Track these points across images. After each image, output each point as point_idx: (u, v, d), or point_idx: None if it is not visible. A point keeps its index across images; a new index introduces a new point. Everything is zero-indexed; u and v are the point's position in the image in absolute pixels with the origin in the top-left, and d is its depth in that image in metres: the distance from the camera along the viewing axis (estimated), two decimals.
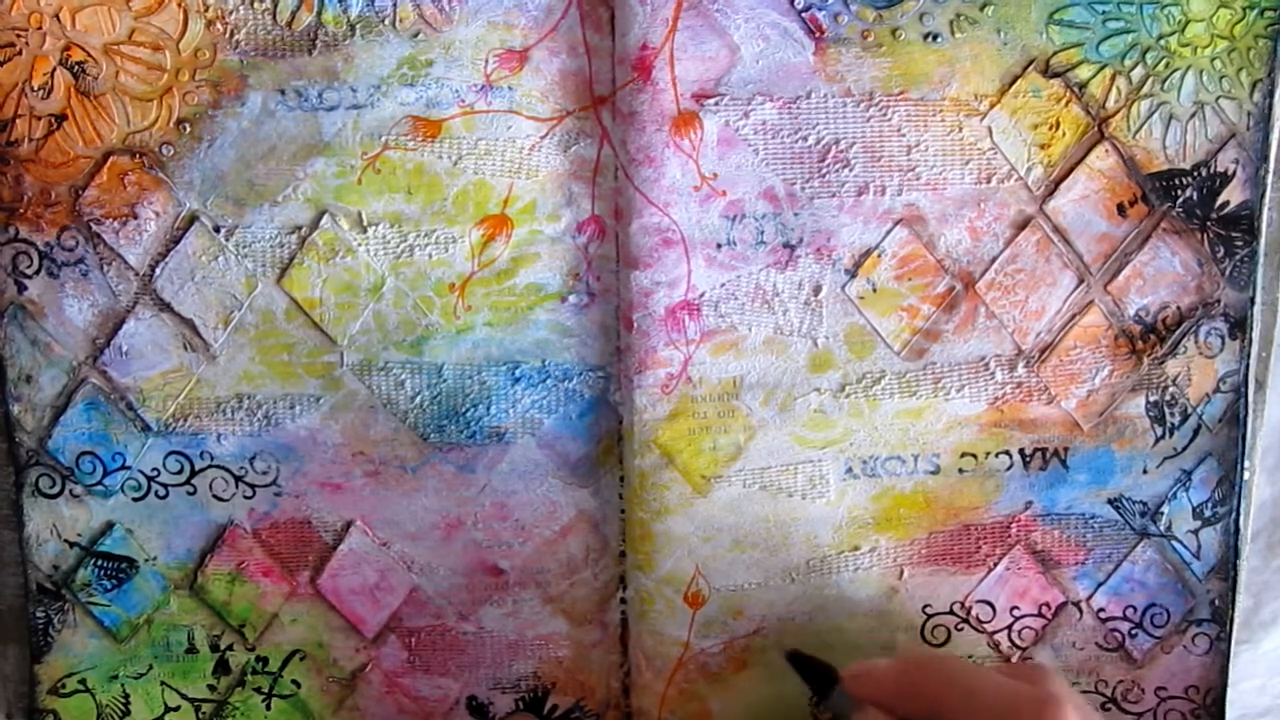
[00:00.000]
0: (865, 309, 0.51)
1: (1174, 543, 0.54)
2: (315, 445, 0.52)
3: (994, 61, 0.49)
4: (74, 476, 0.51)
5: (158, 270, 0.50)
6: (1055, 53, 0.49)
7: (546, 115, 0.49)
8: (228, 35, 0.48)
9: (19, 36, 0.47)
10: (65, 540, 0.52)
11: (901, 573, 0.54)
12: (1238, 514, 0.53)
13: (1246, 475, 0.53)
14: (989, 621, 0.54)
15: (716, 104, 0.49)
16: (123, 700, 0.54)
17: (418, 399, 0.51)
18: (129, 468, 0.52)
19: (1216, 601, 0.54)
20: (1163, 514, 0.53)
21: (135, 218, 0.49)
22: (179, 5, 0.48)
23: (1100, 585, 0.54)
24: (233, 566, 0.53)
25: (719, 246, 0.50)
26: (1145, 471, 0.53)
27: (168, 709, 0.54)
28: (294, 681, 0.54)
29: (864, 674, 0.47)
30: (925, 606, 0.54)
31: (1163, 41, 0.49)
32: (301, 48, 0.48)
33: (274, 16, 0.48)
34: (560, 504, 0.53)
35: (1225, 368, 0.52)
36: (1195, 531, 0.54)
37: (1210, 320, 0.52)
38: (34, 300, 0.50)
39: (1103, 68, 0.49)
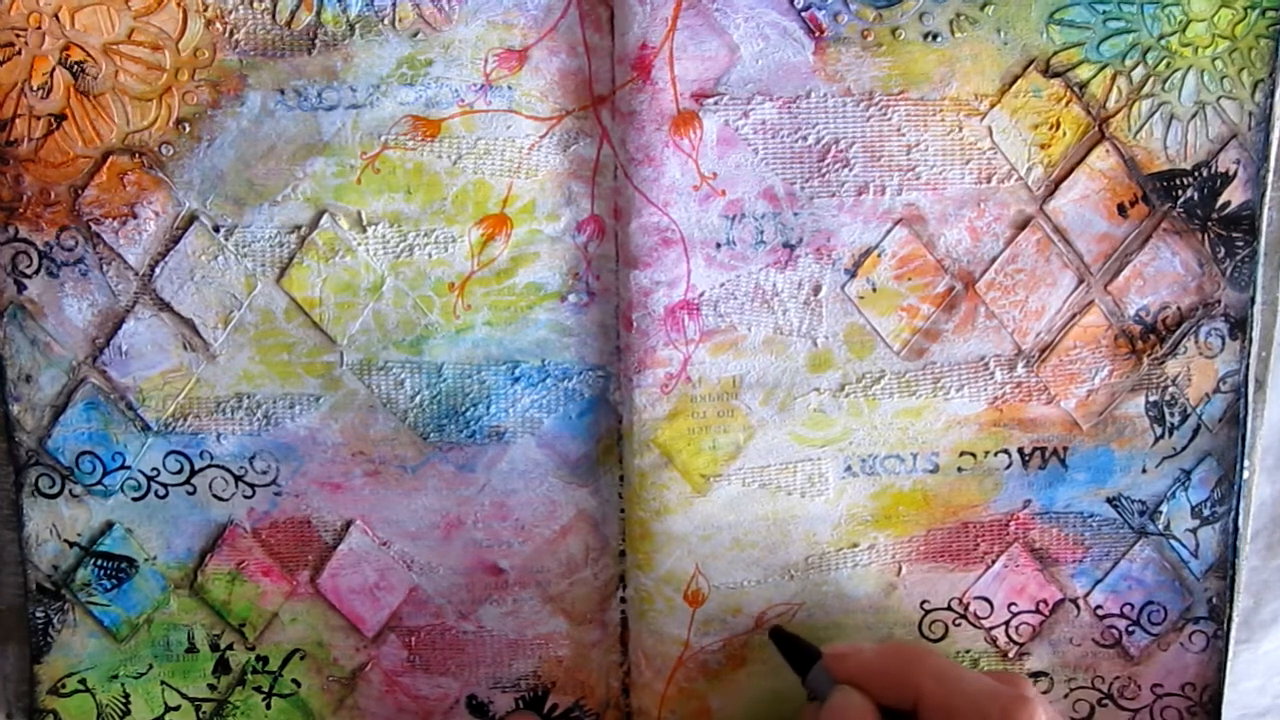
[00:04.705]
0: (865, 309, 0.51)
1: (1172, 541, 0.54)
2: (315, 445, 0.52)
3: (994, 61, 0.49)
4: (74, 476, 0.51)
5: (157, 270, 0.50)
6: (1056, 52, 0.49)
7: (546, 115, 0.49)
8: (227, 35, 0.48)
9: (18, 36, 0.47)
10: (65, 540, 0.52)
11: (900, 569, 0.54)
12: (1236, 514, 0.53)
13: (1246, 475, 0.53)
14: (986, 617, 0.55)
15: (716, 103, 0.49)
16: (123, 700, 0.54)
17: (417, 398, 0.51)
18: (129, 467, 0.52)
19: (1214, 600, 0.54)
20: (1161, 513, 0.54)
21: (135, 217, 0.49)
22: (178, 5, 0.47)
23: (1098, 583, 0.54)
24: (232, 566, 0.53)
25: (718, 246, 0.50)
26: (1144, 471, 0.53)
27: (168, 708, 0.54)
28: (294, 681, 0.54)
29: (846, 655, 0.47)
30: (923, 603, 0.54)
31: (1164, 41, 0.49)
32: (301, 47, 0.48)
33: (273, 16, 0.48)
34: (560, 503, 0.53)
35: (1225, 368, 0.52)
36: (1193, 530, 0.54)
37: (1210, 320, 0.52)
38: (33, 300, 0.50)
39: (1103, 67, 0.49)
